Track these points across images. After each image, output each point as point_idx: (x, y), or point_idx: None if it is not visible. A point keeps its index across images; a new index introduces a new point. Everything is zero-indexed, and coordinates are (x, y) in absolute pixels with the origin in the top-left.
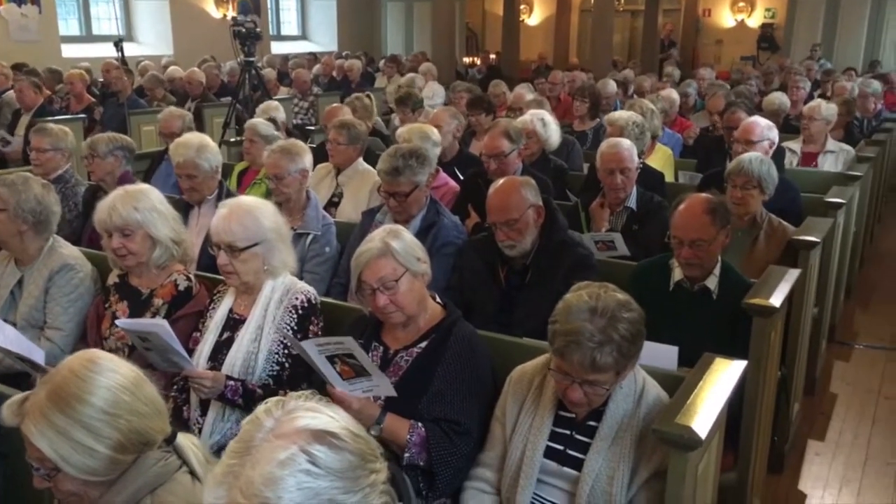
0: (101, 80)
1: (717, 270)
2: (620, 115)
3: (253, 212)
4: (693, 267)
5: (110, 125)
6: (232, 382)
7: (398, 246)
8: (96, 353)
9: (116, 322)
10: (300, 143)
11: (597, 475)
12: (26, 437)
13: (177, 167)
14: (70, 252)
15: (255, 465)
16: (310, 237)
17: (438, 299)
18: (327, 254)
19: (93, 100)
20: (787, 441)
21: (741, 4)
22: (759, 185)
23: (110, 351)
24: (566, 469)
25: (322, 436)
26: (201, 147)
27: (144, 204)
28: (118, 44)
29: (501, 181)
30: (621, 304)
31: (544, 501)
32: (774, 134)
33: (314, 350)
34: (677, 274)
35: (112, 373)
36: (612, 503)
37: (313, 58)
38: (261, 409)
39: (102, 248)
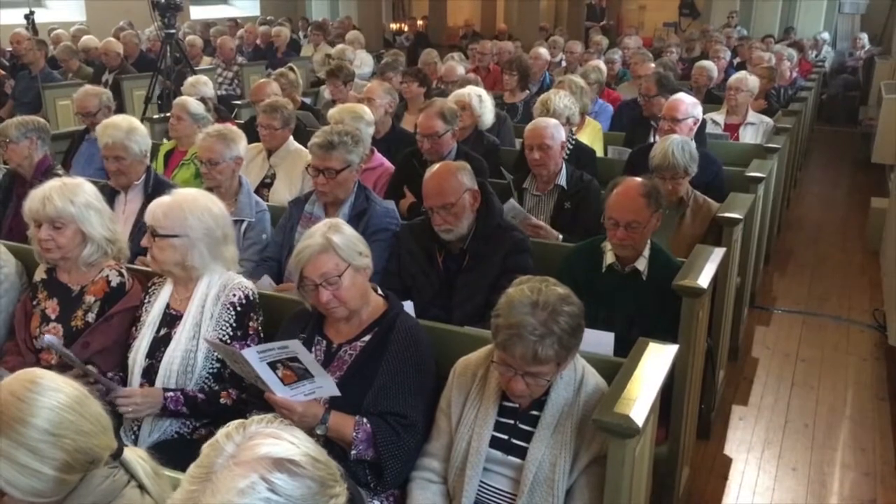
0: (10, 50)
1: (646, 252)
2: (553, 101)
3: (184, 205)
4: (626, 248)
5: (23, 99)
6: (171, 394)
7: (340, 241)
8: (37, 372)
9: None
10: (236, 129)
11: (540, 462)
12: None
13: (104, 148)
14: None
15: (214, 492)
16: (244, 224)
17: (380, 291)
18: (263, 241)
19: (2, 73)
20: (713, 409)
21: None
22: (685, 173)
23: (40, 350)
24: (511, 458)
25: (282, 463)
26: (130, 129)
27: (80, 199)
28: (29, 16)
29: (437, 166)
30: (562, 297)
31: (489, 488)
32: (698, 111)
33: (255, 358)
34: (609, 257)
35: (55, 392)
36: (554, 488)
37: (234, 24)
38: (221, 432)
39: (27, 238)
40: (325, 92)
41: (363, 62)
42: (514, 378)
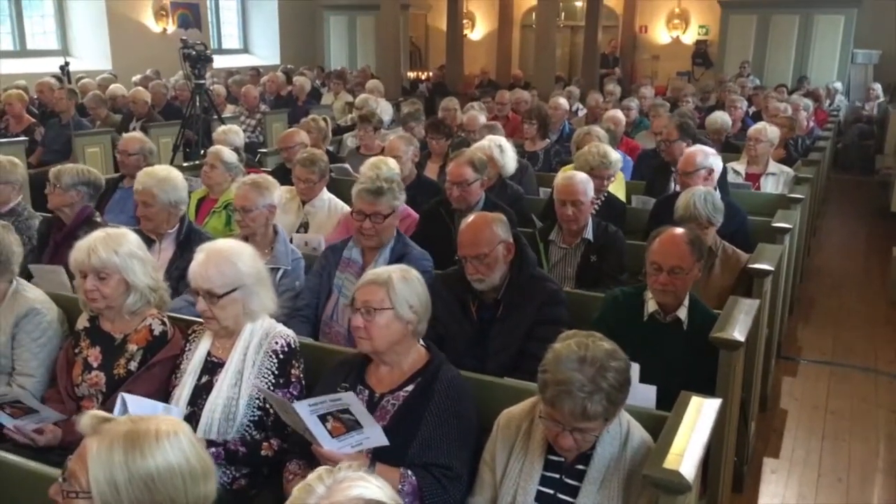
0: (37, 98)
1: (686, 301)
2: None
3: (230, 257)
4: (667, 294)
5: (53, 146)
6: (212, 450)
7: (399, 285)
8: (186, 429)
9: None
10: (271, 178)
11: None
12: (82, 450)
13: (136, 193)
14: (35, 295)
15: None
16: (280, 272)
17: (422, 342)
18: (297, 288)
19: (33, 120)
20: (746, 461)
21: (676, 21)
22: (709, 223)
23: (81, 398)
24: None
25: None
26: (164, 179)
27: (124, 249)
28: (64, 67)
29: (474, 216)
30: (609, 353)
31: None
32: (711, 161)
33: (306, 411)
34: (651, 305)
35: (181, 454)
36: None
37: (256, 73)
38: (312, 476)
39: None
40: (348, 140)
41: (383, 110)
42: (563, 434)
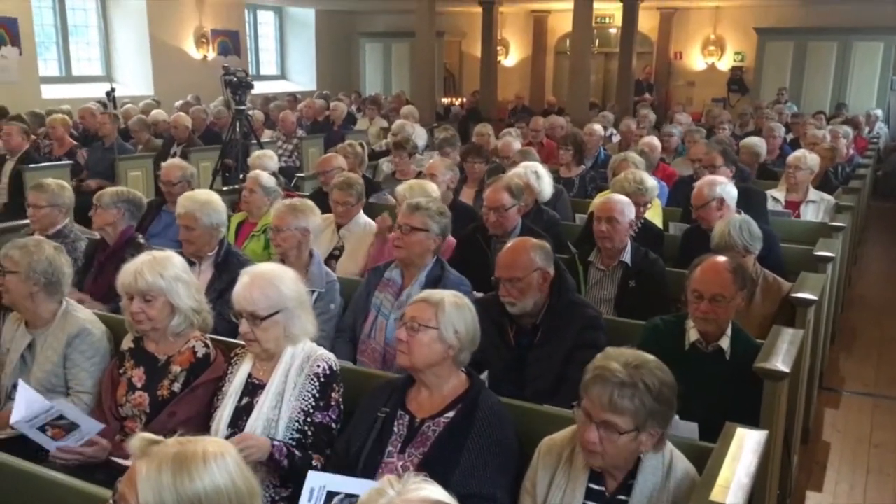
0: (80, 122)
1: (728, 331)
2: (646, 180)
3: (273, 280)
4: (708, 323)
5: (97, 169)
6: (277, 442)
7: (449, 308)
8: (232, 451)
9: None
10: (311, 203)
11: None
12: (132, 472)
13: (178, 217)
14: (85, 315)
15: None
16: (315, 294)
17: (463, 368)
18: (332, 311)
19: (75, 143)
20: (789, 494)
21: (711, 48)
22: (745, 251)
23: (125, 418)
24: None
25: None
26: (205, 203)
27: (170, 272)
28: (110, 93)
29: (517, 239)
30: (658, 365)
31: None
32: (720, 190)
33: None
34: (693, 334)
35: (228, 475)
36: None
37: (293, 98)
38: (383, 481)
39: (104, 301)
40: (384, 165)
41: (418, 136)
42: (589, 427)
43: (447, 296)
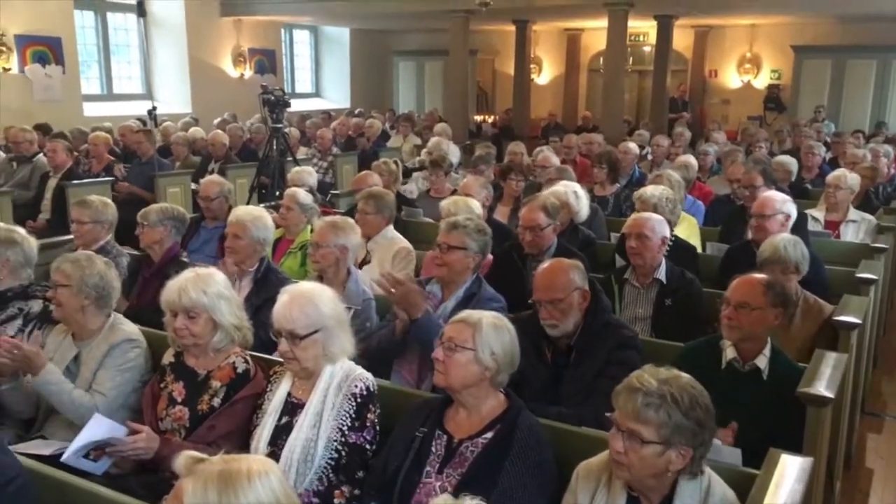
0: (119, 139)
1: (766, 351)
2: (652, 192)
3: (313, 299)
4: (732, 330)
5: (136, 183)
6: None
7: (487, 330)
8: (276, 469)
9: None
10: (351, 221)
11: None
12: (178, 490)
13: (229, 224)
14: (131, 329)
15: None
16: (351, 311)
17: (502, 388)
18: (368, 329)
19: (112, 159)
20: None
21: (747, 66)
22: (796, 269)
23: (165, 432)
24: None
25: None
26: (257, 217)
27: (213, 289)
28: (152, 112)
29: (552, 261)
30: (692, 383)
31: None
32: (788, 207)
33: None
34: (729, 353)
35: (272, 493)
36: None
37: (328, 116)
38: (438, 500)
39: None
40: (418, 182)
41: (452, 153)
42: (616, 435)
43: (486, 317)
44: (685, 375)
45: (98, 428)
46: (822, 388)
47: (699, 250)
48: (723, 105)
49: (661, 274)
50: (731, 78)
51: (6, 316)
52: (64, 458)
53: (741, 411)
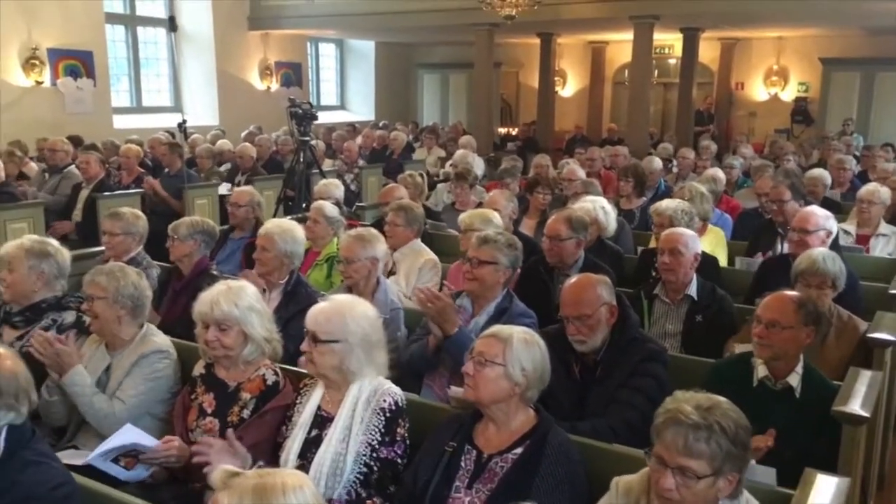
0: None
1: (799, 368)
2: (667, 205)
3: (342, 310)
4: (763, 348)
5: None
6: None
7: (518, 346)
8: (309, 482)
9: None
10: (375, 231)
11: None
12: (214, 502)
13: (258, 237)
14: (162, 340)
15: None
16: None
17: (532, 404)
18: (399, 339)
19: (142, 171)
20: None
21: (774, 78)
22: (833, 285)
23: (196, 443)
24: None
25: None
26: (286, 230)
27: (244, 301)
28: (182, 125)
29: (579, 276)
30: (731, 407)
31: None
32: (831, 224)
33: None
34: (761, 370)
35: None
36: None
37: (353, 128)
38: None
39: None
40: (444, 195)
41: (476, 165)
42: (664, 473)
43: (517, 332)
44: (722, 399)
45: (127, 435)
46: (857, 406)
47: (726, 264)
48: (749, 118)
49: (692, 290)
50: (757, 90)
51: (41, 327)
52: (88, 459)
53: (774, 428)
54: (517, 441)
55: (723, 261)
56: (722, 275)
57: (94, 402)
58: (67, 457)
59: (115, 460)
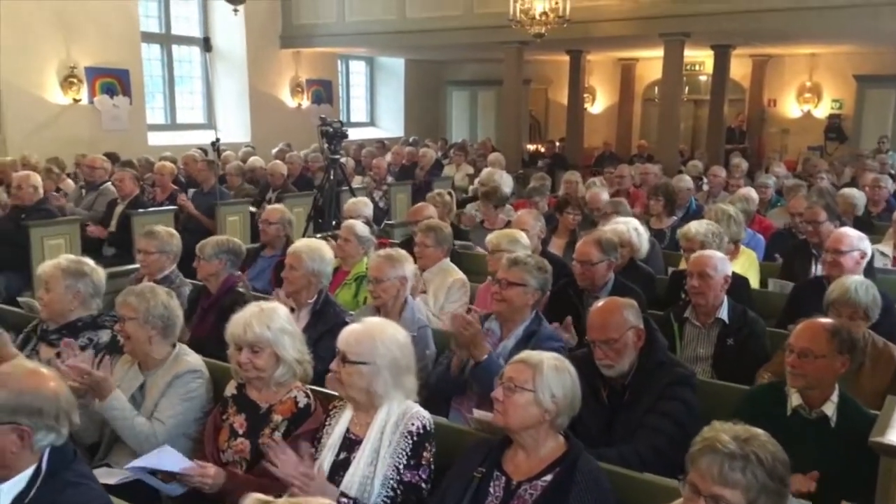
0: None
1: (834, 397)
2: (696, 229)
3: (373, 333)
4: (796, 378)
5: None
6: (345, 500)
7: (548, 372)
8: None
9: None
10: (403, 251)
11: None
12: None
13: (287, 255)
14: (194, 360)
15: None
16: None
17: (562, 431)
18: (427, 357)
19: (175, 188)
20: None
21: (807, 95)
22: (865, 315)
23: (227, 464)
24: None
25: None
26: (314, 249)
27: (276, 324)
28: (216, 143)
29: (605, 300)
30: (770, 439)
31: None
32: (866, 245)
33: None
34: (795, 399)
35: None
36: None
37: (382, 145)
38: None
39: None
40: (473, 212)
41: (505, 183)
42: (697, 502)
43: (547, 358)
44: (760, 431)
45: (164, 456)
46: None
47: (758, 286)
48: (782, 135)
49: (724, 313)
50: (790, 107)
51: (77, 346)
52: (128, 466)
53: (808, 460)
54: (547, 468)
55: (755, 283)
56: (754, 297)
57: (135, 425)
58: (101, 475)
59: (153, 473)
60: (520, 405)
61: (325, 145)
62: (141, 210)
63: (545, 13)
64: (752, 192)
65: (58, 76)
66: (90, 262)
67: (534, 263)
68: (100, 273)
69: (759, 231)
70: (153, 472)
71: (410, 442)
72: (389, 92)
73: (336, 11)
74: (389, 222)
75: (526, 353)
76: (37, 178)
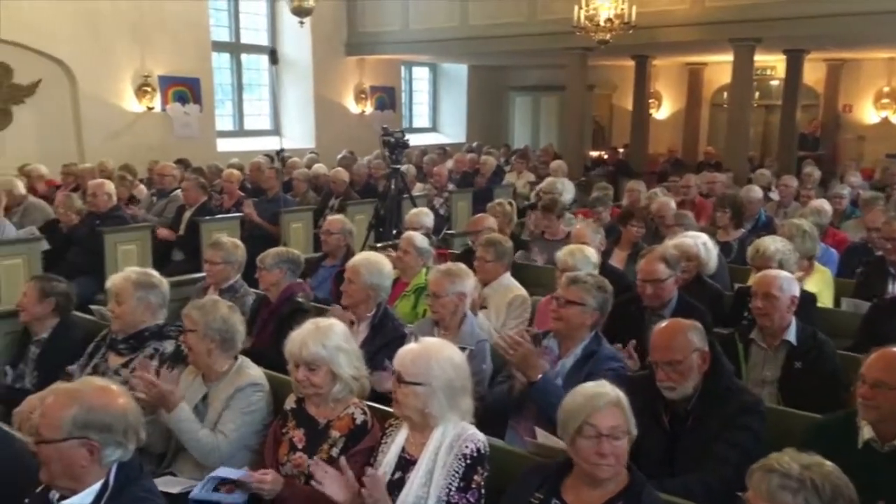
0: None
1: None
2: (774, 250)
3: (430, 354)
4: (868, 410)
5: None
6: None
7: (626, 405)
8: None
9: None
10: (464, 267)
11: None
12: None
13: (347, 268)
14: (256, 373)
15: None
16: (465, 352)
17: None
18: (484, 371)
19: (241, 194)
20: None
21: (885, 101)
22: None
23: (286, 477)
24: None
25: None
26: (372, 262)
27: (331, 341)
28: (280, 152)
29: (669, 321)
30: (839, 475)
31: None
32: None
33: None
34: (867, 431)
35: None
36: None
37: (443, 151)
38: None
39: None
40: (531, 223)
41: (567, 190)
42: None
43: (615, 391)
44: (830, 464)
45: (222, 470)
46: None
47: (832, 305)
48: (858, 142)
49: (791, 335)
50: (867, 113)
51: (144, 356)
52: (193, 495)
53: (879, 497)
54: (609, 500)
55: (828, 302)
56: (826, 317)
57: (201, 437)
58: (164, 484)
59: (216, 488)
60: (625, 450)
61: (387, 154)
62: (208, 217)
63: (610, 20)
64: (825, 205)
65: (133, 85)
66: (156, 273)
67: (593, 283)
68: (166, 284)
69: (833, 244)
70: (215, 489)
71: (463, 464)
72: (452, 97)
73: (400, 19)
74: (449, 231)
75: (608, 396)
76: (110, 186)
